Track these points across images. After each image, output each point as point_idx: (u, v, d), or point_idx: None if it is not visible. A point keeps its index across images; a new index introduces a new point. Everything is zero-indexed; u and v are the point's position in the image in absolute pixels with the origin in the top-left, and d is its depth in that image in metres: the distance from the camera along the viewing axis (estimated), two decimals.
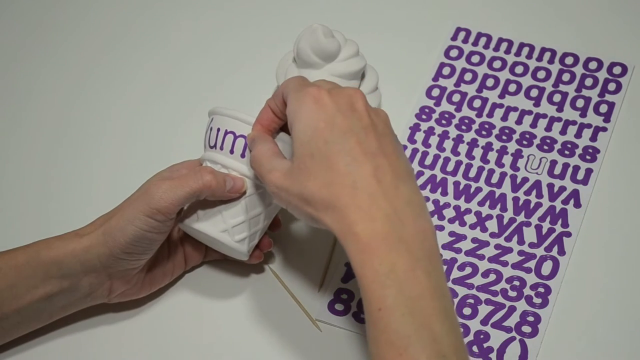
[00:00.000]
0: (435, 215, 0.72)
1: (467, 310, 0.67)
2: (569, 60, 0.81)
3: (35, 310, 0.62)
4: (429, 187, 0.74)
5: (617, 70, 0.80)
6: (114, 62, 0.86)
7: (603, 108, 0.78)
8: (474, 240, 0.70)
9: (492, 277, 0.68)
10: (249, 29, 0.88)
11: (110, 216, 0.62)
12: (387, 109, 0.78)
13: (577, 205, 0.72)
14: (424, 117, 0.78)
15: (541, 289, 0.67)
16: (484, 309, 0.67)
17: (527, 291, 0.67)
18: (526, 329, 0.66)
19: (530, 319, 0.66)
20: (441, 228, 0.71)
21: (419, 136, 0.77)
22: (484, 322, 0.66)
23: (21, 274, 0.60)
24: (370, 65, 0.77)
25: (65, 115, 0.82)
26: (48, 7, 0.91)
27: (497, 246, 0.70)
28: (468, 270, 0.69)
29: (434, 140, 0.77)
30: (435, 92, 0.80)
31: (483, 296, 0.67)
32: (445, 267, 0.68)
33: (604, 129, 0.76)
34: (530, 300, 0.67)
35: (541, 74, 0.81)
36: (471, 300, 0.67)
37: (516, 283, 0.68)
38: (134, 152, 0.79)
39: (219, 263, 0.70)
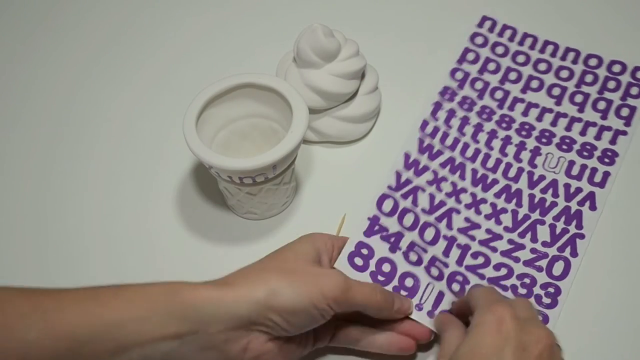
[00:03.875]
0: (453, 197, 0.72)
1: None
2: (592, 62, 0.81)
3: (158, 351, 0.55)
4: (448, 167, 0.74)
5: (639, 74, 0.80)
6: (113, 62, 0.86)
7: (624, 112, 0.78)
8: (488, 231, 0.70)
9: (504, 271, 0.68)
10: (248, 28, 0.88)
11: (270, 273, 0.57)
12: (385, 105, 0.80)
13: (593, 207, 0.71)
14: (446, 97, 0.78)
15: (551, 289, 0.67)
16: None
17: (537, 290, 0.67)
18: None
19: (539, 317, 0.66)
20: (457, 211, 0.71)
21: (441, 115, 0.77)
22: None
23: (154, 309, 0.54)
24: (370, 65, 0.77)
25: (64, 115, 0.82)
26: (47, 7, 0.92)
27: (510, 241, 0.70)
28: (481, 260, 0.68)
29: (455, 122, 0.77)
30: (459, 76, 0.80)
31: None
32: (459, 252, 0.68)
33: (624, 133, 0.76)
34: (540, 300, 0.66)
35: (564, 73, 0.81)
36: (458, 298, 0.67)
37: (526, 281, 0.67)
38: (134, 152, 0.79)
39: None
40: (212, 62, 0.85)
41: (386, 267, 0.65)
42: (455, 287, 0.66)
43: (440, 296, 0.65)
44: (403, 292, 0.64)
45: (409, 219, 0.69)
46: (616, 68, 0.81)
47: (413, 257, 0.67)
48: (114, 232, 0.73)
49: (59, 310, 0.53)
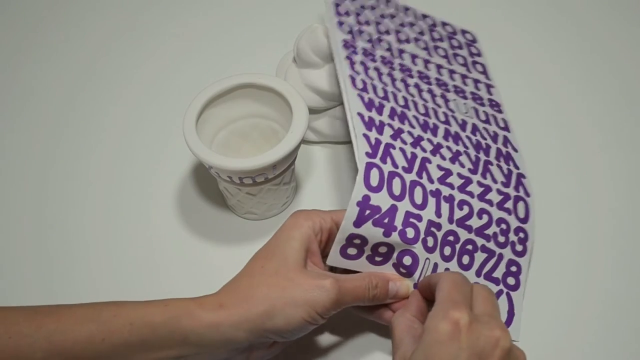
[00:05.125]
0: (418, 147, 0.69)
1: (465, 259, 0.66)
2: (429, 21, 0.84)
3: None
4: (396, 118, 0.70)
5: (469, 36, 0.84)
6: (113, 62, 0.86)
7: (479, 67, 0.81)
8: (459, 175, 0.69)
9: (485, 218, 0.67)
10: (248, 28, 0.88)
11: (262, 290, 0.58)
12: None
13: (515, 149, 0.74)
14: (351, 50, 0.74)
15: (522, 235, 0.68)
16: (479, 257, 0.66)
17: (512, 237, 0.68)
18: (510, 280, 0.66)
19: (513, 269, 0.67)
20: (428, 161, 0.68)
21: (359, 68, 0.73)
22: (478, 272, 0.66)
23: (155, 333, 0.56)
24: None
25: (64, 115, 0.82)
26: (48, 7, 0.92)
27: (479, 183, 0.69)
28: (466, 209, 0.67)
29: (372, 73, 0.73)
30: (346, 28, 0.76)
31: (479, 241, 0.67)
32: (447, 206, 0.67)
33: (491, 86, 0.80)
34: (514, 247, 0.67)
35: (417, 28, 0.82)
36: (469, 247, 0.66)
37: (503, 227, 0.68)
38: (134, 152, 0.79)
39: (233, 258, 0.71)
40: (212, 62, 0.85)
41: (382, 249, 0.63)
42: (447, 250, 0.65)
43: (435, 268, 0.64)
44: (402, 270, 0.63)
45: (397, 186, 0.65)
46: (449, 29, 0.84)
47: (410, 232, 0.64)
48: (114, 232, 0.73)
49: (61, 332, 0.55)
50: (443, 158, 0.69)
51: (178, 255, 0.72)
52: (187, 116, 0.68)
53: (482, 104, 0.77)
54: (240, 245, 0.72)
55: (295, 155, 0.69)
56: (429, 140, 0.70)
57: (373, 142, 0.66)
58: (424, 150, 0.68)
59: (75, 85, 0.85)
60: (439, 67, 0.78)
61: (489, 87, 0.79)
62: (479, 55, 0.83)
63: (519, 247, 0.68)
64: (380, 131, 0.67)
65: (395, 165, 0.65)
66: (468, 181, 0.69)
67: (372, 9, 0.80)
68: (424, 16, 0.84)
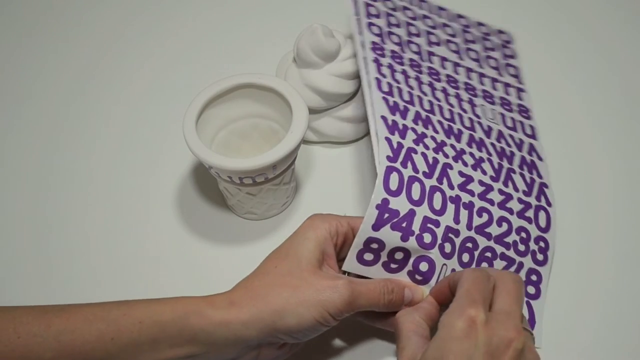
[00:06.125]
0: (440, 153, 0.68)
1: (484, 266, 0.65)
2: (463, 22, 0.83)
3: None
4: (420, 122, 0.70)
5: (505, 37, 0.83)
6: (112, 62, 0.86)
7: (512, 70, 0.80)
8: (480, 182, 0.68)
9: (505, 226, 0.67)
10: (248, 28, 0.88)
11: (274, 290, 0.58)
12: None
13: (540, 158, 0.73)
14: (379, 52, 0.74)
15: (542, 244, 0.67)
16: (498, 265, 0.66)
17: (532, 245, 0.67)
18: (530, 289, 0.66)
19: (534, 277, 0.66)
20: (450, 167, 0.68)
21: (386, 71, 0.73)
22: None
23: (165, 332, 0.56)
24: None
25: (64, 115, 0.82)
26: (48, 7, 0.92)
27: (500, 191, 0.69)
28: (485, 217, 0.67)
29: (399, 76, 0.73)
30: (376, 30, 0.76)
31: (499, 249, 0.66)
32: (467, 212, 0.66)
33: (522, 90, 0.79)
34: (535, 256, 0.66)
35: (449, 30, 0.81)
36: (489, 254, 0.66)
37: (523, 235, 0.67)
38: (134, 152, 0.79)
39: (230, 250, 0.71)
40: (212, 62, 0.85)
41: (399, 255, 0.63)
42: (465, 257, 0.65)
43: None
44: (417, 277, 0.63)
45: (416, 190, 0.65)
46: (484, 29, 0.83)
47: (427, 237, 0.64)
48: (114, 232, 0.73)
49: (70, 332, 0.54)
50: (465, 164, 0.69)
51: (178, 255, 0.72)
52: (187, 116, 0.68)
53: (510, 110, 0.76)
54: (240, 245, 0.72)
55: (295, 155, 0.69)
56: (452, 146, 0.69)
57: (395, 145, 0.66)
58: (446, 155, 0.68)
59: (75, 85, 0.85)
60: (468, 70, 0.78)
61: (519, 91, 0.78)
62: (512, 57, 0.82)
63: (539, 256, 0.67)
64: (403, 135, 0.67)
65: (416, 170, 0.66)
66: (489, 188, 0.69)
67: (404, 10, 0.80)
68: (459, 16, 0.83)
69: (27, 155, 0.79)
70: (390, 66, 0.73)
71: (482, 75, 0.78)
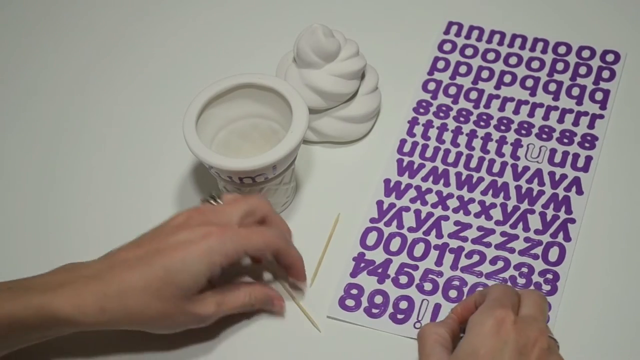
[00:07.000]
0: (440, 206, 0.72)
1: None
2: (561, 50, 0.82)
3: None
4: (431, 178, 0.74)
5: (610, 57, 0.81)
6: (112, 62, 0.86)
7: (598, 96, 0.79)
8: (479, 228, 0.70)
9: (500, 264, 0.68)
10: (248, 28, 0.88)
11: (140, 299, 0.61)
12: (385, 105, 0.80)
13: (580, 192, 0.72)
14: (421, 110, 0.79)
15: (549, 276, 0.68)
16: None
17: (535, 278, 0.67)
18: None
19: None
20: (446, 218, 0.71)
21: (418, 130, 0.77)
22: None
23: (37, 332, 0.60)
24: (370, 65, 0.77)
25: (64, 115, 0.82)
26: (48, 7, 0.92)
27: (503, 233, 0.70)
28: (476, 258, 0.69)
29: (433, 132, 0.77)
30: (432, 86, 0.80)
31: (492, 283, 0.67)
32: (452, 256, 0.69)
33: (601, 117, 0.77)
34: (540, 288, 0.67)
35: (535, 64, 0.81)
36: (481, 289, 0.67)
37: (524, 270, 0.68)
38: (134, 152, 0.79)
39: None
40: (212, 62, 0.85)
41: (378, 299, 0.67)
42: (452, 293, 0.67)
43: (437, 308, 0.66)
44: (400, 316, 0.66)
45: (395, 244, 0.70)
46: (585, 53, 0.82)
47: (403, 279, 0.68)
48: (114, 232, 0.73)
49: None
50: (467, 213, 0.72)
51: None
52: (187, 116, 0.68)
53: (570, 142, 0.76)
54: None
55: (295, 155, 0.69)
56: (460, 197, 0.73)
57: (385, 207, 0.72)
58: (446, 208, 0.72)
59: (75, 85, 0.85)
60: (535, 107, 0.78)
61: (596, 118, 0.77)
62: (609, 79, 0.80)
63: (546, 287, 0.67)
64: (400, 195, 0.73)
65: (400, 227, 0.71)
66: (489, 233, 0.71)
67: (484, 53, 0.83)
68: (559, 44, 0.83)
69: (27, 155, 0.80)
70: (427, 123, 0.78)
71: (551, 109, 0.78)
